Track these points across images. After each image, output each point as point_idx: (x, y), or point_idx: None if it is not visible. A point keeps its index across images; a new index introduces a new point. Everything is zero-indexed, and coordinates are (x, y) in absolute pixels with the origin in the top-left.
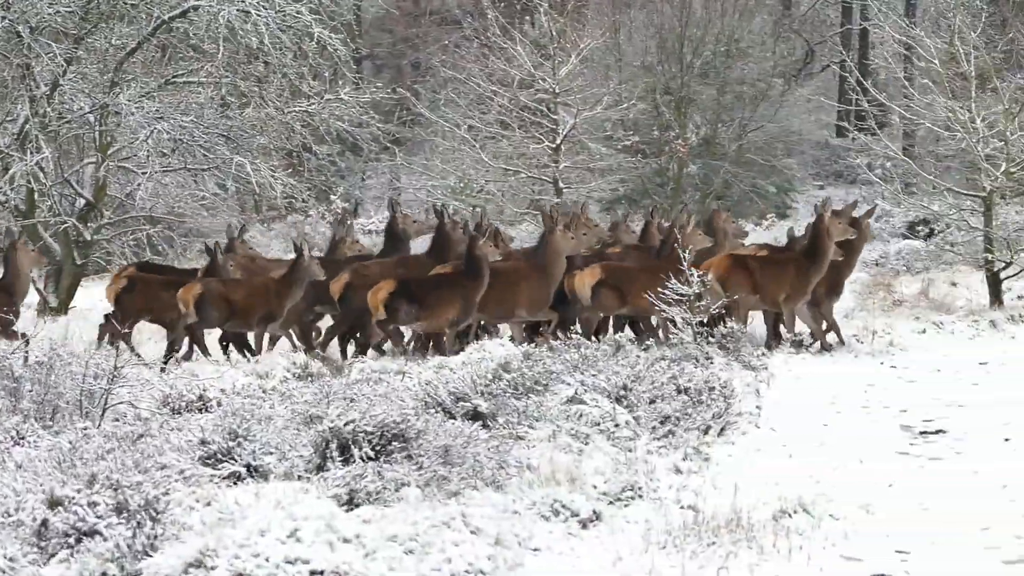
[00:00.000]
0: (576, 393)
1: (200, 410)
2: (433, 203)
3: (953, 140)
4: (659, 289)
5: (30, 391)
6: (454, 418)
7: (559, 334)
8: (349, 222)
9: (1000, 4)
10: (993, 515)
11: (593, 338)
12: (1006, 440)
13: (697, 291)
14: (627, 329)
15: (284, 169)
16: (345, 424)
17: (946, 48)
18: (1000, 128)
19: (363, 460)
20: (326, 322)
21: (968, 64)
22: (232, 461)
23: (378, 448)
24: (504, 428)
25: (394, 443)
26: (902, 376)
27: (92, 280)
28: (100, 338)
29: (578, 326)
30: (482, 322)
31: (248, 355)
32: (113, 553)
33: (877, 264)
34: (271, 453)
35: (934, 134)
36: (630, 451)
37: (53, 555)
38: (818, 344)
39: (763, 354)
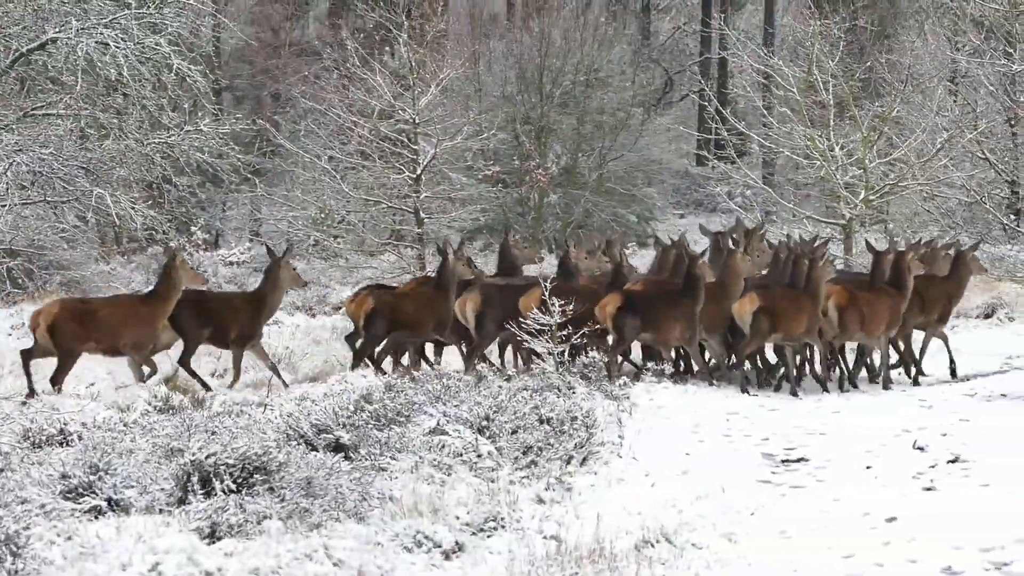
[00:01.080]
0: (438, 424)
1: (61, 444)
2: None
3: (812, 168)
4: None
5: None
6: (316, 450)
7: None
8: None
9: (857, 33)
10: (855, 542)
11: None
12: (867, 468)
13: (559, 321)
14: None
15: (144, 201)
16: (206, 457)
17: (804, 77)
18: (858, 156)
19: (225, 493)
20: None
21: (826, 93)
22: (93, 495)
23: (240, 481)
24: (366, 459)
25: (256, 475)
26: (764, 404)
27: None
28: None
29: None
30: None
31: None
32: None
33: None
34: (132, 487)
35: (793, 162)
36: (493, 481)
37: None
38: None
39: (625, 384)
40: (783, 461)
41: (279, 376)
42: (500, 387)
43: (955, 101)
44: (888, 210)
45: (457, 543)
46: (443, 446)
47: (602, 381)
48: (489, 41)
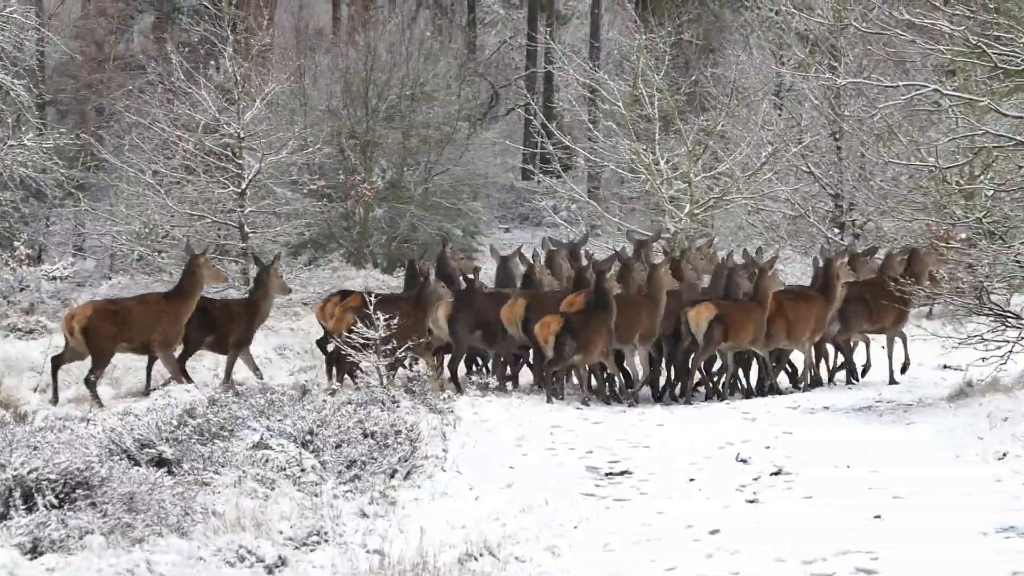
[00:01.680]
0: (262, 438)
1: None
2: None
3: (637, 182)
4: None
5: None
6: (139, 464)
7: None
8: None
9: (683, 47)
10: (678, 555)
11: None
12: (691, 480)
13: (383, 335)
14: None
15: None
16: (28, 472)
17: (630, 91)
18: (684, 170)
19: (47, 508)
20: None
21: (652, 107)
22: None
23: (62, 496)
24: (189, 474)
25: (78, 491)
26: (588, 417)
27: None
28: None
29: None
30: None
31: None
32: None
33: None
34: None
35: (619, 176)
36: (316, 496)
37: None
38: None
39: (449, 397)
40: (607, 474)
41: (260, 378)
42: (324, 401)
43: (780, 115)
44: (713, 224)
45: (280, 557)
46: (266, 460)
47: (426, 395)
48: (315, 55)
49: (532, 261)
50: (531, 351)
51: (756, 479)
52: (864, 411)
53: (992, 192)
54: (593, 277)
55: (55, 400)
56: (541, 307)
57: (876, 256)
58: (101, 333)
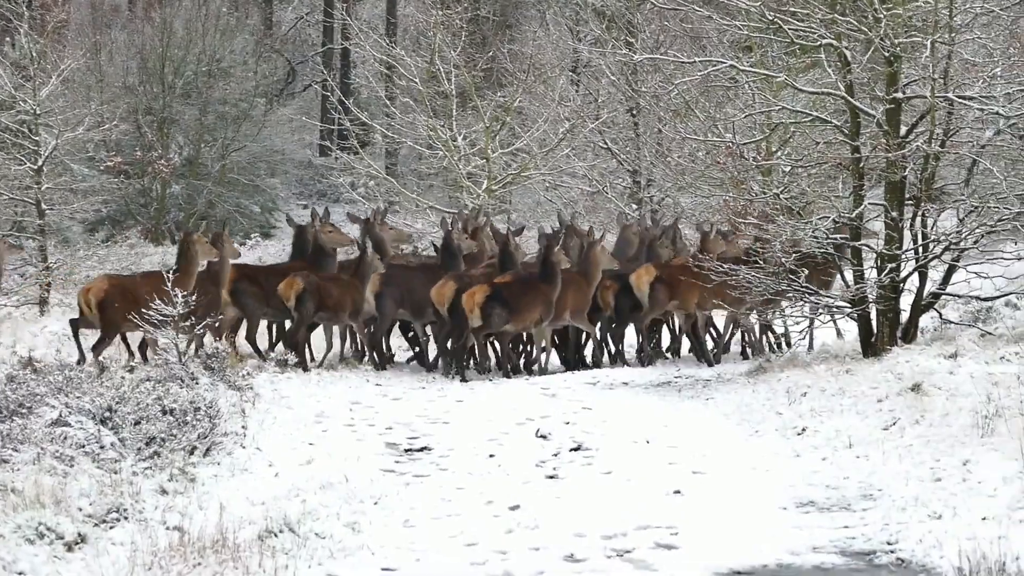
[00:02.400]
0: (61, 415)
1: None
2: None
3: (435, 158)
4: None
5: None
6: None
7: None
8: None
9: (480, 23)
10: (478, 531)
11: None
12: (491, 456)
13: (183, 311)
14: None
15: None
16: None
17: (427, 67)
18: (481, 146)
19: None
20: None
21: (449, 83)
22: None
23: None
24: None
25: None
26: (387, 394)
27: None
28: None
29: None
30: None
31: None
32: None
33: None
34: None
35: (416, 152)
36: (116, 473)
37: None
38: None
39: (248, 374)
40: (406, 450)
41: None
42: (123, 378)
43: (577, 91)
44: (511, 200)
45: (80, 534)
46: (65, 437)
47: (225, 371)
48: (111, 31)
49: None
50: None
51: (556, 455)
52: (663, 387)
53: (789, 168)
54: (542, 248)
55: (81, 359)
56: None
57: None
58: (114, 308)
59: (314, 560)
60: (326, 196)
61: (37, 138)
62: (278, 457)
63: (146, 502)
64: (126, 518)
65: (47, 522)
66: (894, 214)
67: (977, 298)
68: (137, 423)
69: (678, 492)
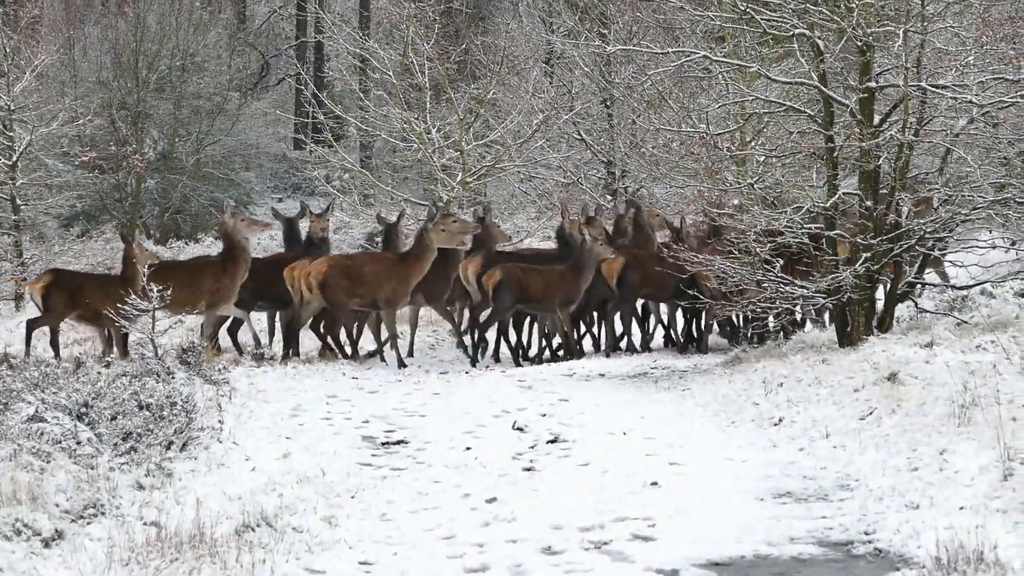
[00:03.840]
0: (37, 411)
1: None
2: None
3: (410, 151)
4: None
5: None
6: None
7: None
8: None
9: (453, 15)
10: (455, 524)
11: None
12: (467, 449)
13: (156, 307)
14: None
15: None
16: None
17: (400, 60)
18: (455, 139)
19: None
20: None
21: (422, 75)
22: None
23: None
24: None
25: None
26: (363, 387)
27: None
28: None
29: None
30: None
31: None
32: None
33: None
34: None
35: (391, 145)
36: (92, 468)
37: None
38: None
39: (224, 368)
40: (383, 444)
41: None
42: (99, 373)
43: (551, 82)
44: (486, 192)
45: (57, 531)
46: (42, 433)
47: (201, 366)
48: (84, 27)
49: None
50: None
51: (533, 447)
52: (640, 378)
53: (763, 158)
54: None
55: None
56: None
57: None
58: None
59: (291, 554)
60: (301, 189)
61: (11, 134)
62: (255, 451)
63: (123, 497)
64: (103, 514)
65: (24, 518)
66: (868, 203)
67: (952, 287)
68: (114, 418)
69: (655, 484)
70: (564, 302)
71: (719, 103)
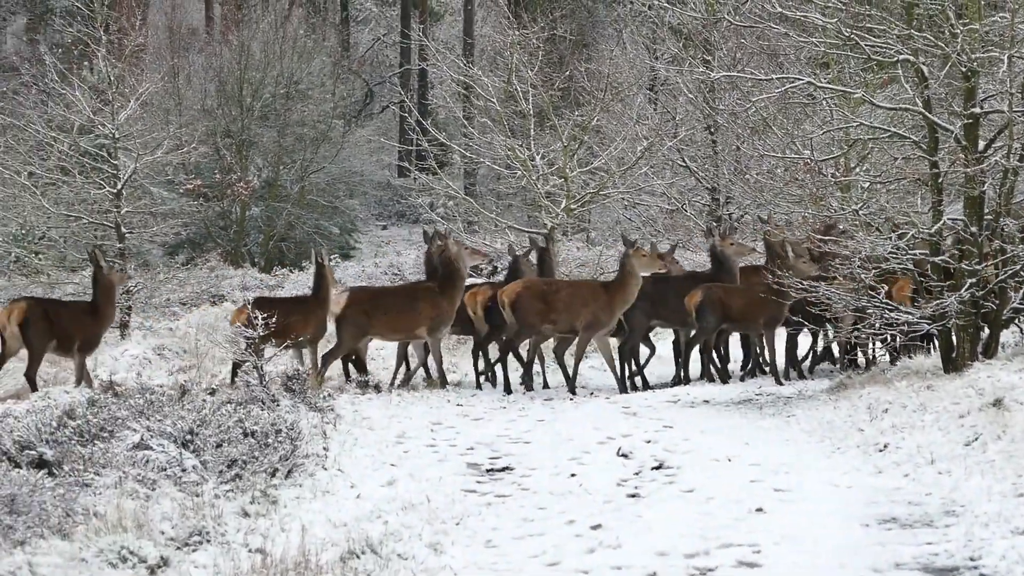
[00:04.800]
0: (142, 439)
1: None
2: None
3: (513, 178)
4: None
5: None
6: (19, 467)
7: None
8: None
9: (557, 42)
10: (559, 550)
11: None
12: (572, 475)
13: (262, 334)
14: None
15: None
16: None
17: (504, 87)
18: (559, 165)
19: None
20: None
21: (526, 102)
22: None
23: None
24: (70, 475)
25: None
26: (468, 414)
27: None
28: None
29: None
30: None
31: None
32: None
33: None
34: None
35: (495, 172)
36: (197, 496)
37: None
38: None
39: (329, 395)
40: (488, 470)
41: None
42: (204, 401)
43: (655, 109)
44: (590, 219)
45: (162, 558)
46: (147, 461)
47: (306, 393)
48: (188, 55)
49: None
50: None
51: (637, 473)
52: (744, 404)
53: (868, 184)
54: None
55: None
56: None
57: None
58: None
59: None
60: (405, 217)
61: (116, 162)
62: (360, 478)
63: (228, 525)
64: (208, 541)
65: (130, 546)
66: (973, 229)
67: None
68: (219, 445)
69: (760, 510)
70: (768, 322)
71: (823, 129)
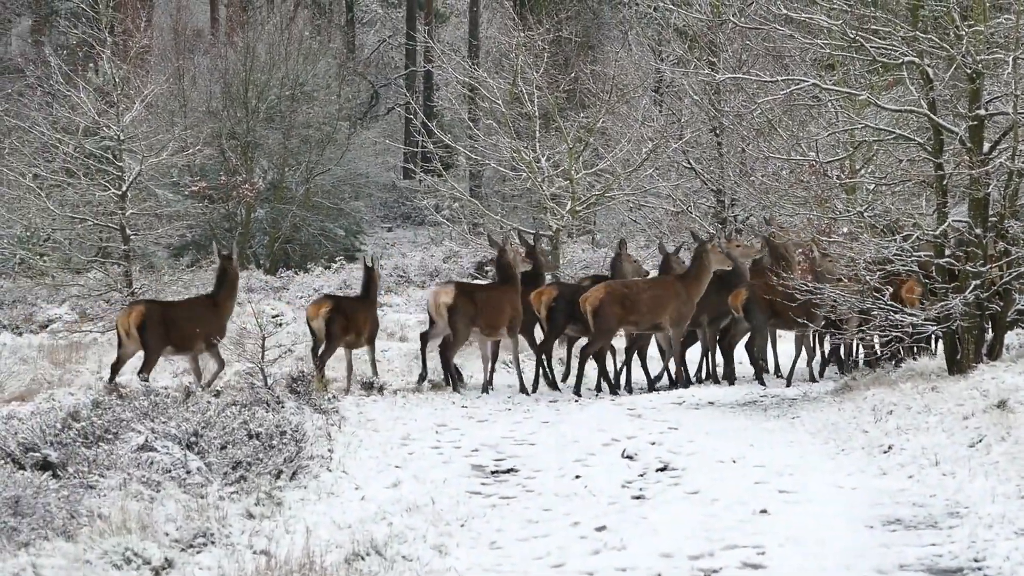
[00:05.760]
0: (147, 441)
1: None
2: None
3: (519, 180)
4: None
5: None
6: (24, 468)
7: None
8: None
9: (562, 44)
10: (564, 552)
11: None
12: (577, 477)
13: (272, 333)
14: None
15: None
16: None
17: (509, 88)
18: (565, 167)
19: None
20: None
21: (531, 104)
22: None
23: None
24: (74, 477)
25: None
26: (473, 416)
27: None
28: None
29: None
30: None
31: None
32: None
33: None
34: None
35: (500, 174)
36: (202, 497)
37: None
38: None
39: (334, 397)
40: (492, 472)
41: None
42: (209, 402)
43: (660, 111)
44: (595, 221)
45: (167, 559)
46: (152, 463)
47: (311, 395)
48: (194, 56)
49: None
50: None
51: (642, 475)
52: (749, 406)
53: (873, 186)
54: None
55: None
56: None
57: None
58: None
59: None
60: (410, 219)
61: (121, 164)
62: (364, 480)
63: (232, 526)
64: (213, 543)
65: (134, 547)
66: (978, 231)
67: None
68: (223, 447)
69: (764, 511)
70: (811, 317)
71: (829, 131)
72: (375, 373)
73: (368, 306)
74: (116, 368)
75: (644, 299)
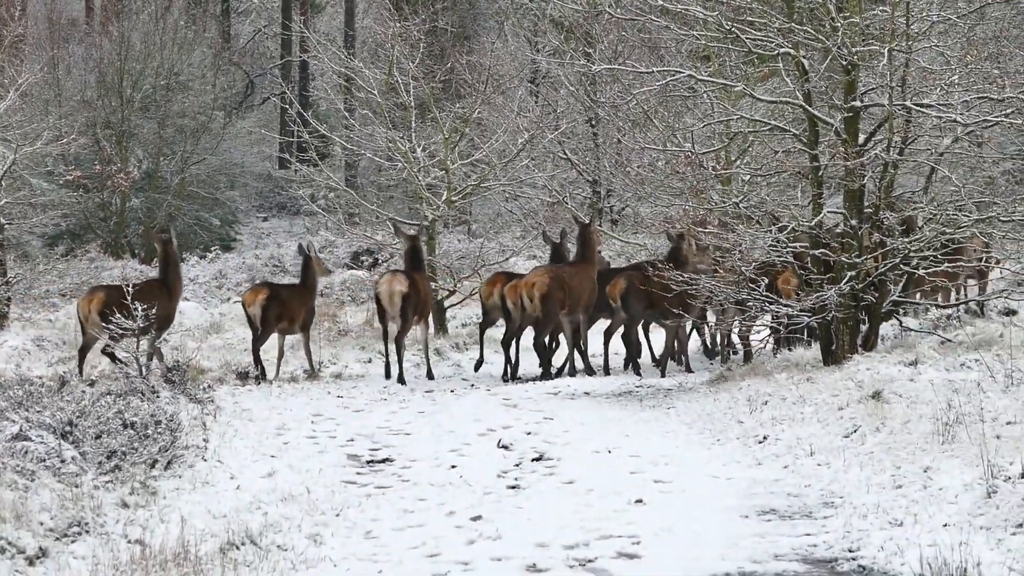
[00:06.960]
0: (21, 429)
1: None
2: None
3: (395, 170)
4: None
5: None
6: None
7: None
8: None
9: (438, 35)
10: (440, 541)
11: None
12: (452, 467)
13: (143, 325)
14: None
15: None
16: None
17: (385, 79)
18: (440, 158)
19: None
20: None
21: (407, 95)
22: None
23: None
24: None
25: None
26: (349, 406)
27: None
28: None
29: None
30: None
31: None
32: None
33: (322, 295)
34: None
35: (376, 164)
36: (77, 487)
37: None
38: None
39: (209, 387)
40: (368, 462)
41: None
42: (83, 392)
43: (536, 102)
44: (471, 211)
45: (41, 549)
46: (26, 452)
47: (186, 384)
48: (68, 45)
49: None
50: None
51: (518, 465)
52: (625, 396)
53: (748, 177)
54: None
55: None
56: None
57: None
58: None
59: (276, 572)
60: (286, 209)
61: None
62: (240, 470)
63: (107, 516)
64: (87, 532)
65: (8, 536)
66: (853, 222)
67: (937, 305)
68: (98, 437)
69: (640, 501)
70: (688, 308)
71: (704, 122)
72: (309, 360)
73: (305, 294)
74: (83, 354)
75: (575, 285)
